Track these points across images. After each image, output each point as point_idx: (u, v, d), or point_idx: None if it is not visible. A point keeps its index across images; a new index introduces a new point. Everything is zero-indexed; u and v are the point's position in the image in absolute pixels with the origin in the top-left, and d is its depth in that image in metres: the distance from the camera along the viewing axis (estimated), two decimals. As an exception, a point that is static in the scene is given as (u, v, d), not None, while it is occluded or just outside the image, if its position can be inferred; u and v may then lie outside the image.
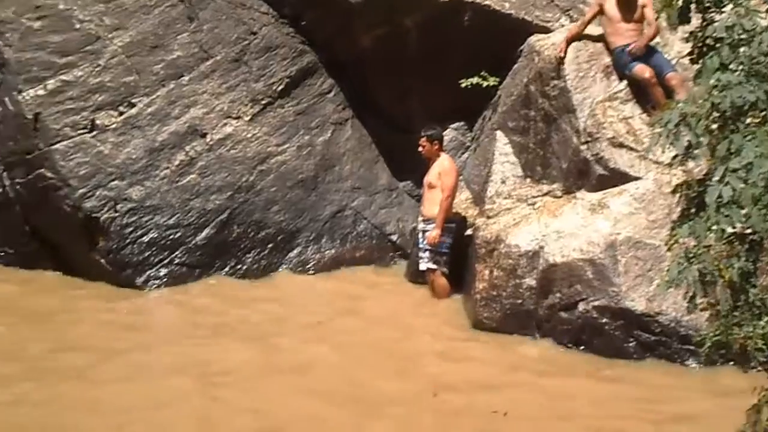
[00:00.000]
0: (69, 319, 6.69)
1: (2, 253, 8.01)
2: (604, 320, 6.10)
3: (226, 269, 7.80)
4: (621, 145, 6.54)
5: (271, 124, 8.23)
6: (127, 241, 7.56)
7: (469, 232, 7.39)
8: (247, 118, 8.13)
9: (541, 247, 6.42)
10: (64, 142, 7.55)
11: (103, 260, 7.53)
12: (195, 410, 5.21)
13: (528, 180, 7.18)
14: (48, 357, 5.96)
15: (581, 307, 6.18)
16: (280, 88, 8.29)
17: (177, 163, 7.82)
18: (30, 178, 7.67)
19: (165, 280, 7.57)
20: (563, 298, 6.26)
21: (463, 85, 8.09)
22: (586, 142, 6.66)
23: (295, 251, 8.11)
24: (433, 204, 7.44)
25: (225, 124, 8.03)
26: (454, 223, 7.47)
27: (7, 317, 6.61)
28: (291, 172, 8.21)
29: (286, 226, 8.10)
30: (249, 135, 8.11)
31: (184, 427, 5.04)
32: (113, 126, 7.69)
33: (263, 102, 8.22)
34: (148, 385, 5.56)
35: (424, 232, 7.47)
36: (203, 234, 7.77)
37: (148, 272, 7.56)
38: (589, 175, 6.60)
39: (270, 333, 6.42)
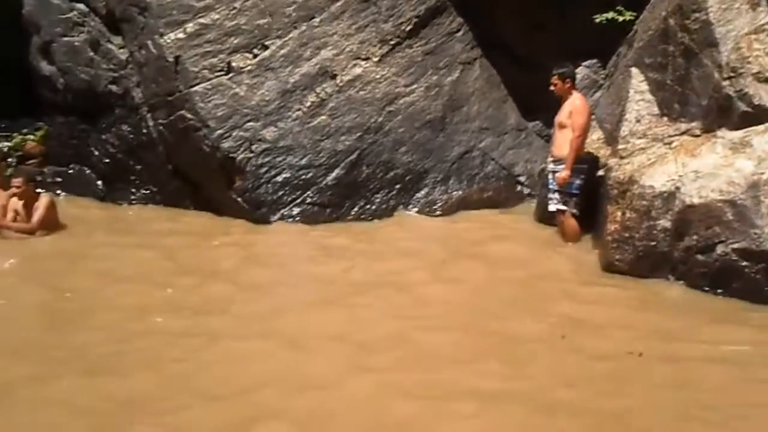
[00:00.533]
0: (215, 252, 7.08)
1: (147, 191, 8.50)
2: (744, 263, 5.87)
3: (356, 209, 7.98)
4: (767, 80, 6.19)
5: (399, 65, 8.25)
6: (262, 180, 7.83)
7: (600, 172, 7.23)
8: (375, 59, 8.19)
9: (678, 188, 6.22)
10: (203, 84, 7.84)
11: (239, 199, 7.85)
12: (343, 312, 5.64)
13: (664, 118, 6.91)
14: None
15: (719, 249, 5.97)
16: (408, 28, 8.29)
17: (308, 104, 7.99)
18: (172, 119, 8.04)
19: (298, 218, 7.83)
20: (700, 240, 6.06)
21: (597, 21, 7.84)
22: (729, 78, 6.34)
23: (423, 192, 8.18)
24: (563, 144, 7.30)
25: (354, 65, 8.12)
26: (585, 164, 7.32)
27: (156, 249, 7.04)
28: (419, 112, 8.24)
29: (414, 166, 8.17)
30: (378, 76, 8.17)
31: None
32: (248, 68, 7.92)
33: (392, 42, 8.25)
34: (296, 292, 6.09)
35: (553, 172, 7.37)
36: (333, 174, 7.95)
37: (282, 211, 7.83)
38: (731, 113, 6.30)
39: (401, 270, 6.53)
